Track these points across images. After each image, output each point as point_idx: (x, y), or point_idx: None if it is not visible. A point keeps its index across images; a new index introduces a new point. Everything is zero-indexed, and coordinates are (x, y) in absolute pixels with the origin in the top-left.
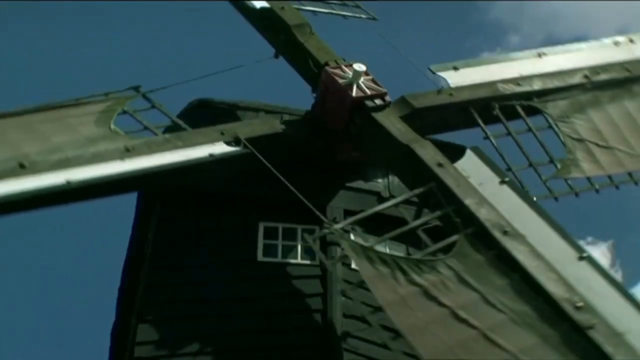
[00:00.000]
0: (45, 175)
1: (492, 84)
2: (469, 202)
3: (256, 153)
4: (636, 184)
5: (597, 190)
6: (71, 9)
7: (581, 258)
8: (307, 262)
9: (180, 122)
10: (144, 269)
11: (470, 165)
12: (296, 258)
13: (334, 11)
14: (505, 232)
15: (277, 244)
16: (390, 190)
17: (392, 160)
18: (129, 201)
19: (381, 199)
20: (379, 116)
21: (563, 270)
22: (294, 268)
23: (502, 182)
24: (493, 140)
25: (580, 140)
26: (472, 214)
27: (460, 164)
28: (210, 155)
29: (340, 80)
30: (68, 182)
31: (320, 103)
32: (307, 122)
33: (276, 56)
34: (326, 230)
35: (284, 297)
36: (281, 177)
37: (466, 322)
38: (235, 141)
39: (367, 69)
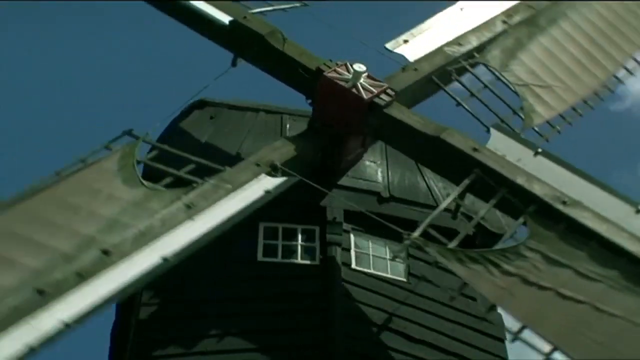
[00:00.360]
0: (137, 258)
1: (440, 49)
2: (520, 180)
3: (304, 179)
4: (581, 115)
5: (559, 132)
6: (71, 9)
7: (638, 211)
8: (307, 262)
9: (195, 158)
10: None
11: (501, 144)
12: (296, 258)
13: (275, 7)
14: (564, 203)
15: (277, 244)
16: (390, 190)
17: (423, 155)
18: None
19: (381, 199)
20: (394, 112)
21: (629, 226)
22: (294, 268)
23: (536, 153)
24: (466, 106)
25: (525, 86)
26: (528, 191)
27: (491, 145)
28: (267, 192)
29: (344, 84)
30: (165, 260)
31: (323, 109)
32: (318, 130)
33: (234, 64)
34: (407, 241)
35: (284, 297)
36: (328, 192)
37: (573, 299)
38: (273, 169)
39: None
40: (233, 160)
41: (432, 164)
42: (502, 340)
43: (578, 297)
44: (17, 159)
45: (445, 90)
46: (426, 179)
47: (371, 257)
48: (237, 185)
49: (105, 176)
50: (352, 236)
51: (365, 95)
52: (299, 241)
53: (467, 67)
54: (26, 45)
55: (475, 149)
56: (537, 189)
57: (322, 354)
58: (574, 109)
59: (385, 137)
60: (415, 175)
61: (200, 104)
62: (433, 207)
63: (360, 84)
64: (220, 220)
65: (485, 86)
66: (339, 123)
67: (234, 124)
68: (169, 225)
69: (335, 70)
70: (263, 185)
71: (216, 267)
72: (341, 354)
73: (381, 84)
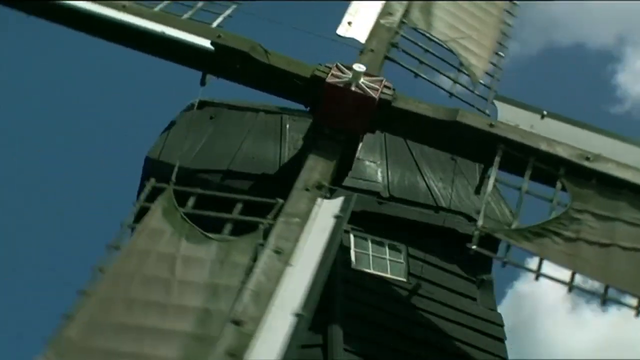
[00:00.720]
0: (271, 321)
1: (379, 24)
2: (543, 147)
3: (354, 193)
4: (502, 57)
5: (498, 80)
6: None
7: None
8: None
9: (241, 196)
10: None
11: (510, 115)
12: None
13: (224, 15)
14: (588, 159)
15: None
16: (390, 190)
17: (441, 141)
18: (129, 201)
19: (381, 199)
20: (401, 104)
21: None
22: None
23: (543, 116)
24: (424, 76)
25: (453, 40)
26: (554, 155)
27: (502, 117)
28: (338, 217)
29: (350, 87)
30: (300, 315)
31: (330, 114)
32: (331, 137)
33: (202, 83)
34: (476, 232)
35: None
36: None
37: (634, 249)
38: (319, 189)
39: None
40: (233, 160)
41: (452, 148)
42: (502, 340)
43: (636, 246)
44: (17, 159)
45: (401, 65)
46: (426, 179)
47: (371, 257)
48: (303, 217)
49: (165, 238)
50: (352, 236)
51: (373, 94)
52: None
53: (406, 36)
54: (26, 45)
55: (491, 125)
56: (560, 151)
57: (322, 354)
58: (496, 53)
59: (396, 130)
60: (415, 175)
61: (200, 104)
62: (433, 207)
63: (363, 83)
64: (317, 259)
65: (426, 50)
66: (348, 125)
67: (233, 124)
68: (274, 278)
69: (333, 75)
70: (327, 210)
71: None
72: (341, 353)
73: (379, 78)
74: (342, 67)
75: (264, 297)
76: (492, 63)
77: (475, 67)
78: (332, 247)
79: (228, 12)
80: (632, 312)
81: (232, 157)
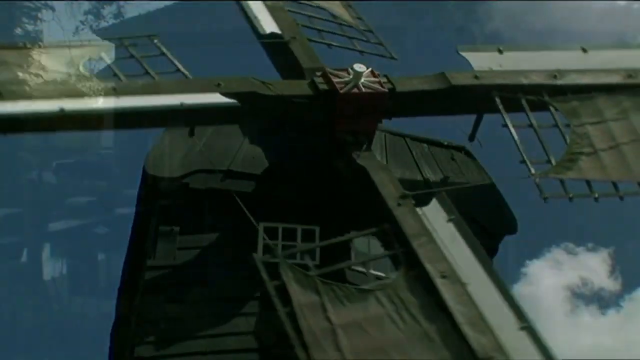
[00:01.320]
0: (512, 343)
1: (274, 8)
2: (523, 80)
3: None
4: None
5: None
6: None
7: (585, 50)
8: (307, 262)
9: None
10: (144, 269)
11: (479, 61)
12: (296, 258)
13: (168, 55)
14: (555, 77)
15: (276, 244)
16: None
17: (438, 107)
18: (128, 201)
19: None
20: (401, 87)
21: (593, 65)
22: None
23: (501, 51)
24: (336, 44)
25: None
26: (535, 84)
27: (475, 65)
28: (452, 219)
29: (362, 90)
30: (526, 327)
31: (347, 121)
32: (359, 142)
33: (191, 134)
34: (537, 179)
35: None
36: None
37: (632, 141)
38: (406, 197)
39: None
40: (234, 160)
41: (453, 111)
42: None
43: (633, 137)
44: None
45: (317, 41)
46: (426, 178)
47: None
48: (425, 232)
49: (329, 310)
50: None
51: (382, 88)
52: (299, 241)
53: (291, 9)
54: None
55: (476, 77)
56: (536, 79)
57: None
58: None
59: (401, 113)
60: (415, 175)
61: None
62: None
63: (367, 80)
64: (479, 267)
65: (310, 16)
66: (364, 126)
67: None
68: (467, 302)
69: (338, 83)
70: (433, 218)
71: (216, 267)
72: None
73: (369, 69)
74: (333, 71)
75: (481, 325)
76: (349, 7)
77: (345, 14)
78: (479, 248)
79: (164, 49)
80: None
81: (232, 157)
